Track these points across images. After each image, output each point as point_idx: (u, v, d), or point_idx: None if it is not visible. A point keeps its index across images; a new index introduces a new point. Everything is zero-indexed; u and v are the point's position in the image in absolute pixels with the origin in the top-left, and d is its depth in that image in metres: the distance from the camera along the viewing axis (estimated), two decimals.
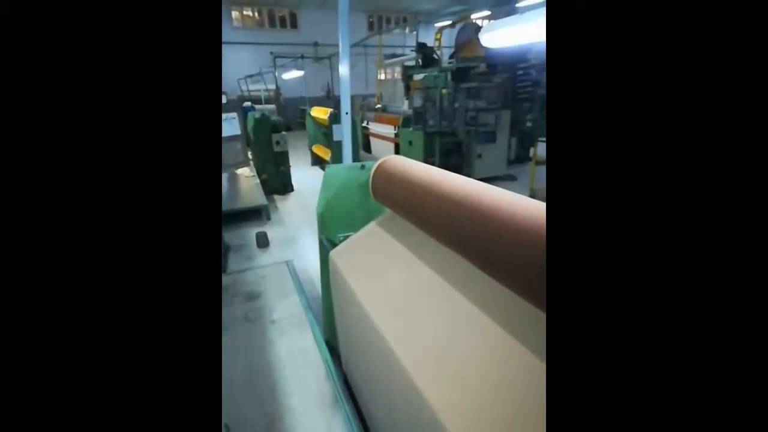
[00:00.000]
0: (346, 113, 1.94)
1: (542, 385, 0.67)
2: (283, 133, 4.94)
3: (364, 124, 6.73)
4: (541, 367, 0.71)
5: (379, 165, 1.52)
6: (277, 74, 8.66)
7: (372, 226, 1.59)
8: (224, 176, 5.06)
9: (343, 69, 1.86)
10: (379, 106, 7.71)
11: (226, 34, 12.50)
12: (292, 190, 5.27)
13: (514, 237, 0.76)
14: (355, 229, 1.65)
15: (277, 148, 4.90)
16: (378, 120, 6.56)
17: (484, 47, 4.68)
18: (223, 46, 12.04)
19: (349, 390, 1.74)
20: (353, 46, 11.18)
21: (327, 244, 1.71)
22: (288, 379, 1.75)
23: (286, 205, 4.72)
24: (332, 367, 1.80)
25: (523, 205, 0.80)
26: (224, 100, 6.01)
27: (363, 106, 7.78)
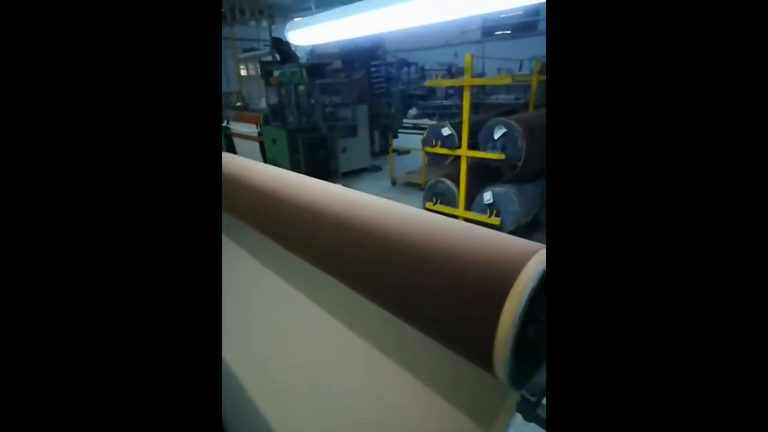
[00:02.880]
0: None
1: (380, 370, 0.72)
2: None
3: (224, 124, 6.27)
4: (371, 353, 0.76)
5: None
6: None
7: None
8: None
9: None
10: (239, 104, 7.28)
11: None
12: None
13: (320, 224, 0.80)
14: None
15: None
16: (239, 119, 6.19)
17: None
18: None
19: None
20: None
21: None
22: None
23: None
24: None
25: (417, 221, 0.72)
26: None
27: (225, 105, 7.22)
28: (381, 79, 6.16)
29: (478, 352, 0.54)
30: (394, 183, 5.16)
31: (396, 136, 6.03)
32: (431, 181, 3.33)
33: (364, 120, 5.53)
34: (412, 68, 10.73)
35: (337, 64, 5.58)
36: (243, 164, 1.31)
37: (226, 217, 1.41)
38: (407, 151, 6.18)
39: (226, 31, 9.11)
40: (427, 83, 4.17)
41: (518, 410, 0.53)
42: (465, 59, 2.69)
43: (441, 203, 3.19)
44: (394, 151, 5.34)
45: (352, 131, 5.31)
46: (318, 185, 0.96)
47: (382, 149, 6.55)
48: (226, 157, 1.43)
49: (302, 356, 0.92)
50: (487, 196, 2.81)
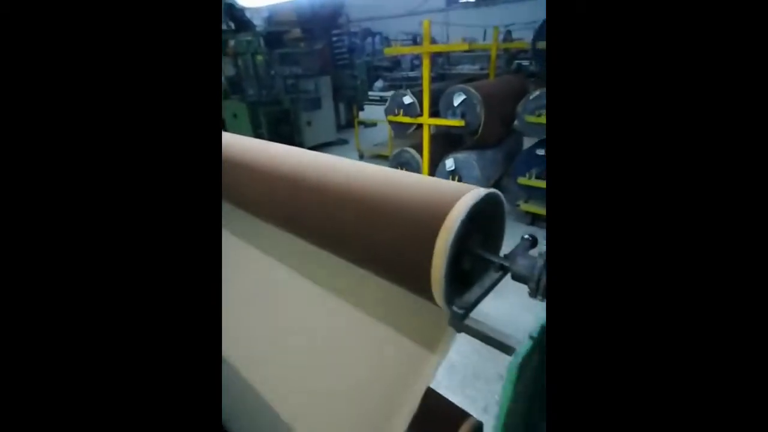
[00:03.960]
0: None
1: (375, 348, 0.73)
2: None
3: None
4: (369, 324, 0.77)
5: None
6: None
7: None
8: None
9: None
10: None
11: None
12: None
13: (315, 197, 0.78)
14: None
15: None
16: None
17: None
18: None
19: None
20: None
21: None
22: None
23: None
24: None
25: (373, 175, 0.75)
26: None
27: None
28: (344, 50, 5.99)
29: (418, 281, 0.60)
30: (361, 156, 5.14)
31: (362, 109, 5.95)
32: (396, 151, 3.36)
33: (328, 92, 5.41)
34: (377, 38, 10.47)
35: (297, 32, 5.36)
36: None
37: None
38: (374, 123, 6.14)
39: None
40: (387, 51, 4.12)
41: (450, 324, 0.60)
42: (423, 25, 2.68)
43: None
44: (361, 123, 5.29)
45: (316, 104, 5.19)
46: (276, 148, 0.97)
47: (348, 122, 6.46)
48: None
49: (274, 303, 0.98)
50: (449, 163, 2.89)
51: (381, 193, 0.68)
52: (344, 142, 5.78)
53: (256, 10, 5.79)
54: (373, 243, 0.67)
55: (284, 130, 5.03)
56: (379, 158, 4.92)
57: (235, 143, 1.16)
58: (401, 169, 3.30)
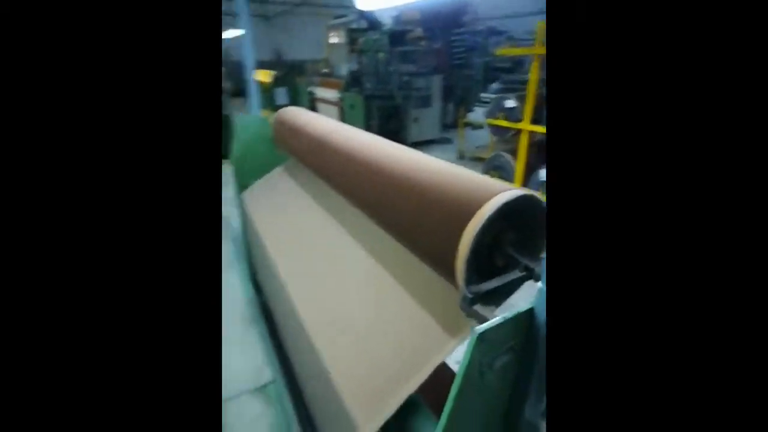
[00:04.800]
0: (251, 69, 2.12)
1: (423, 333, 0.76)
2: (223, 95, 4.93)
3: (310, 89, 6.75)
4: (422, 316, 0.81)
5: (277, 116, 1.75)
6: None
7: (277, 171, 1.85)
8: None
9: (243, 28, 2.01)
10: (325, 70, 7.70)
11: None
12: None
13: (401, 192, 0.82)
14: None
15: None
16: (323, 84, 6.61)
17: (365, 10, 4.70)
18: None
19: (267, 313, 2.06)
20: (299, 5, 10.65)
21: (240, 188, 1.96)
22: None
23: (226, 168, 4.82)
24: (252, 295, 2.11)
25: (426, 165, 0.82)
26: None
27: (311, 71, 7.73)
28: (461, 49, 6.00)
29: (446, 266, 0.68)
30: (461, 156, 5.15)
31: (471, 110, 5.91)
32: (492, 154, 3.33)
33: (438, 91, 5.52)
34: (502, 37, 10.08)
35: (419, 31, 5.59)
36: (305, 115, 1.57)
37: (290, 159, 1.71)
38: (481, 126, 6.03)
39: None
40: (498, 52, 4.01)
41: (459, 305, 0.68)
42: (537, 26, 2.58)
43: (499, 177, 3.19)
44: (467, 124, 5.28)
45: (426, 102, 5.36)
46: (360, 136, 1.15)
47: (455, 122, 6.48)
48: (295, 110, 1.70)
49: (329, 265, 1.17)
50: (542, 174, 2.76)
51: (429, 180, 0.79)
52: (447, 141, 5.85)
53: (387, 10, 6.19)
54: (416, 224, 0.77)
55: (393, 125, 5.33)
56: (477, 160, 4.87)
57: (316, 121, 1.39)
58: (495, 172, 3.26)
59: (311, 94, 6.79)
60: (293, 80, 5.95)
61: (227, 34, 8.15)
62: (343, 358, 0.87)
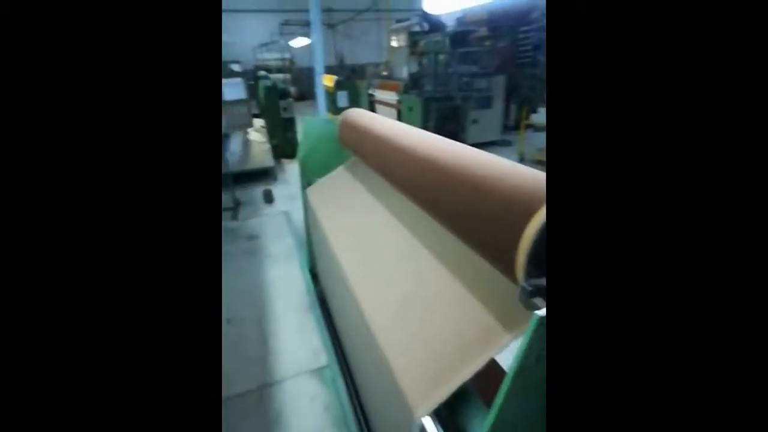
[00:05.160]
0: (320, 75, 2.24)
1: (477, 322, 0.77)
2: (290, 99, 5.27)
3: (369, 92, 6.93)
4: (474, 304, 0.83)
5: (343, 116, 1.85)
6: (288, 43, 8.81)
7: (340, 169, 1.95)
8: (238, 140, 5.49)
9: (314, 37, 2.15)
10: (385, 73, 7.85)
11: (241, 1, 12.56)
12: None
13: (460, 189, 0.84)
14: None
15: (284, 114, 5.25)
16: (382, 87, 6.75)
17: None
18: (237, 15, 12.17)
19: (323, 301, 2.17)
20: (363, 11, 11.01)
21: (305, 184, 2.09)
22: (276, 294, 2.20)
23: (292, 167, 5.13)
24: (311, 285, 2.24)
25: (486, 162, 0.83)
26: (238, 68, 6.37)
27: (372, 74, 7.93)
28: (528, 47, 5.77)
29: (506, 261, 0.69)
30: (521, 158, 4.96)
31: (535, 111, 5.66)
32: None
33: (500, 91, 5.37)
34: None
35: (483, 31, 5.48)
36: (368, 116, 1.64)
37: (352, 158, 1.80)
38: (544, 128, 5.75)
39: (382, 3, 9.69)
40: None
41: (519, 299, 0.69)
42: None
43: None
44: (529, 126, 5.08)
45: (486, 103, 5.25)
46: (420, 135, 1.19)
47: (517, 124, 6.24)
48: (360, 112, 1.79)
49: (385, 261, 1.22)
50: None
51: (491, 176, 0.80)
52: (508, 143, 5.66)
53: (451, 13, 6.16)
54: (477, 219, 0.79)
55: (450, 126, 5.29)
56: (538, 163, 4.66)
57: (378, 121, 1.43)
58: None
59: (371, 96, 6.96)
60: (354, 83, 6.16)
61: (295, 42, 8.66)
62: (400, 345, 0.91)
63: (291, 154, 5.57)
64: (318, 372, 1.68)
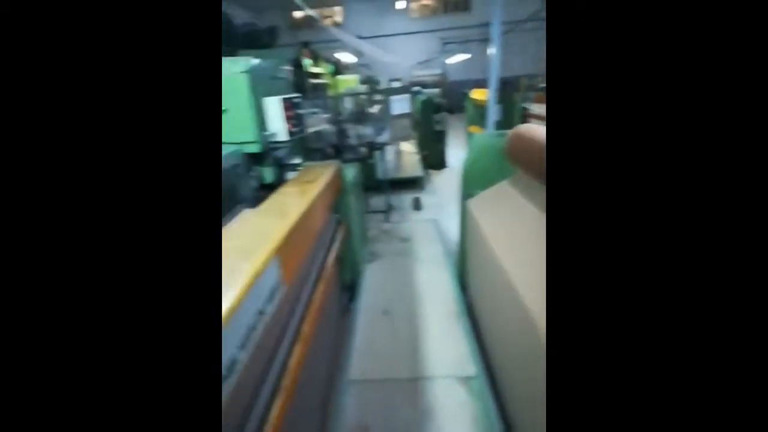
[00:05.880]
0: (495, 90, 2.30)
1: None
2: (444, 113, 5.50)
3: (524, 105, 6.65)
4: None
5: (513, 132, 1.86)
6: (443, 60, 9.19)
7: (503, 183, 1.96)
8: (392, 150, 6.02)
9: (493, 49, 2.21)
10: (543, 85, 7.40)
11: (403, 26, 13.70)
12: (446, 166, 5.83)
13: None
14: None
15: (437, 127, 5.52)
16: (537, 100, 6.39)
17: None
18: (398, 38, 13.32)
19: (471, 310, 2.20)
20: (523, 21, 10.64)
21: (465, 196, 2.18)
22: (425, 296, 2.34)
23: (439, 178, 5.34)
24: (460, 294, 2.30)
25: None
26: (398, 85, 6.98)
27: (527, 87, 7.60)
28: None
29: None
30: None
31: None
32: None
33: None
34: None
35: None
36: (538, 131, 1.62)
37: (517, 173, 1.79)
38: None
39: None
40: None
41: None
42: None
43: None
44: None
45: None
46: None
47: None
48: (529, 127, 1.77)
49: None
50: None
51: None
52: None
53: None
54: None
55: None
56: None
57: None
58: None
59: (525, 110, 6.66)
60: (508, 97, 6.02)
61: (450, 59, 8.97)
62: None
63: (439, 166, 5.79)
64: (466, 380, 1.72)
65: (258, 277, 0.81)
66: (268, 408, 0.88)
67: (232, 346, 0.67)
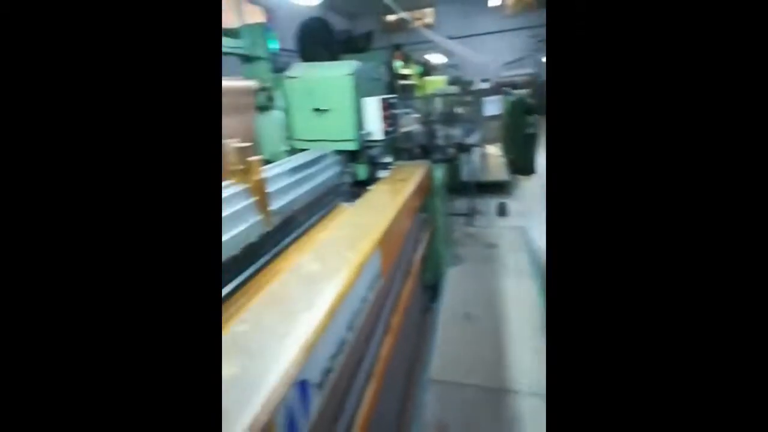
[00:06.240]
0: None
1: None
2: (536, 115, 5.17)
3: None
4: None
5: None
6: (539, 58, 8.65)
7: None
8: (478, 152, 5.86)
9: None
10: None
11: (495, 24, 13.18)
12: (535, 171, 5.47)
13: None
14: None
15: (528, 130, 5.20)
16: None
17: None
18: (489, 37, 12.85)
19: None
20: None
21: None
22: (510, 306, 2.23)
23: (527, 184, 5.03)
24: (542, 303, 2.15)
25: None
26: (487, 86, 6.75)
27: None
28: None
29: None
30: None
31: None
32: None
33: None
34: None
35: None
36: None
37: None
38: None
39: None
40: None
41: None
42: None
43: None
44: None
45: None
46: None
47: None
48: None
49: None
50: None
51: None
52: None
53: None
54: None
55: None
56: None
57: None
58: None
59: None
60: None
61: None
62: None
63: (527, 171, 5.46)
64: None
65: (364, 266, 0.86)
66: (362, 392, 0.93)
67: (341, 327, 0.73)
